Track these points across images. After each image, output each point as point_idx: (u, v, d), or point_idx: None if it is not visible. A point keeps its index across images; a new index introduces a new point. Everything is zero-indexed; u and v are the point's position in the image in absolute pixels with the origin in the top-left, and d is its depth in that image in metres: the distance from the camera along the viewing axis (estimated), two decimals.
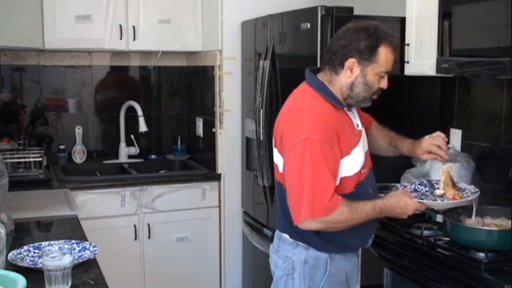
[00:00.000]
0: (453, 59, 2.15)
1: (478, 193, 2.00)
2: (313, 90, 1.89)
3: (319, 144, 1.77)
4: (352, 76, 1.86)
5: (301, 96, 1.92)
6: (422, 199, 1.98)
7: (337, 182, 1.84)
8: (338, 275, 1.95)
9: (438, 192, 2.03)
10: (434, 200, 2.00)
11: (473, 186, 2.06)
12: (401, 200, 1.88)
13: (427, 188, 2.12)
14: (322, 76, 1.93)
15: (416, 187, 2.12)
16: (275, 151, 1.95)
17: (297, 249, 1.94)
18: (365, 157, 1.96)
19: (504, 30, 1.91)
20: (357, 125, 1.96)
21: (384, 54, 1.84)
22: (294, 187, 1.81)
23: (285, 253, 1.97)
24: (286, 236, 1.97)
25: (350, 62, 1.84)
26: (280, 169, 1.92)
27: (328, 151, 1.78)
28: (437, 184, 2.09)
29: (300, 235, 1.91)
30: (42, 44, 3.40)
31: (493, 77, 2.39)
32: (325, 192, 1.76)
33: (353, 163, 1.88)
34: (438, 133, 2.09)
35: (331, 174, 1.79)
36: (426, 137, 2.08)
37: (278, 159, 1.94)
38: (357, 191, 1.91)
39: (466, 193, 2.01)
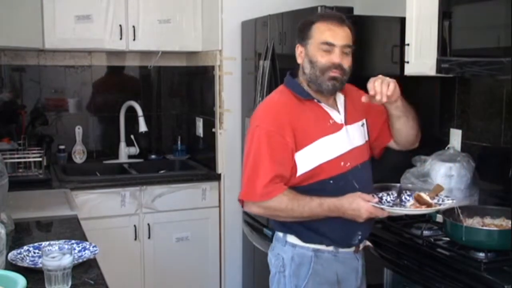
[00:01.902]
0: (453, 59, 2.15)
1: (453, 203, 1.93)
2: (283, 87, 2.02)
3: (266, 132, 1.87)
4: (301, 60, 1.97)
5: (273, 94, 2.05)
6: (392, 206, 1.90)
7: (303, 170, 1.88)
8: (325, 275, 1.95)
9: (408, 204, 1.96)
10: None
11: (452, 199, 1.95)
12: (354, 202, 1.85)
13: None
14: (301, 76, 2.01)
15: (405, 198, 2.01)
16: None
17: (286, 247, 1.99)
18: (349, 151, 1.95)
19: (504, 30, 1.91)
20: (340, 120, 1.97)
21: (318, 28, 1.91)
22: (242, 169, 1.97)
23: (277, 251, 2.03)
24: (278, 232, 2.03)
25: (297, 49, 1.98)
26: None
27: (276, 139, 1.87)
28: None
29: (284, 225, 1.97)
30: (42, 44, 3.40)
31: (493, 77, 2.39)
32: (261, 178, 1.85)
33: (319, 153, 1.90)
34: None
35: (273, 162, 1.86)
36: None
37: None
38: (335, 182, 1.91)
39: (441, 206, 1.91)
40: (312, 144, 1.90)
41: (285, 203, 1.85)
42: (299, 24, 1.99)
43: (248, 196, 1.91)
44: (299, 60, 1.98)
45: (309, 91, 1.96)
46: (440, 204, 1.91)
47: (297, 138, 1.88)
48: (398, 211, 1.91)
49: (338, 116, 1.98)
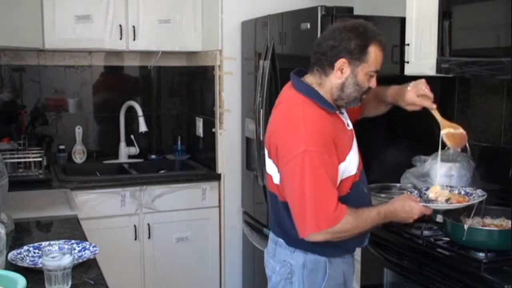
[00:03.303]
0: (453, 59, 2.15)
1: (485, 196, 1.99)
2: (304, 97, 1.84)
3: (318, 155, 1.74)
4: (342, 77, 1.83)
5: (293, 105, 1.86)
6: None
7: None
8: (336, 277, 1.94)
9: (431, 195, 2.03)
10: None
11: (480, 190, 2.03)
12: (406, 204, 1.87)
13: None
14: (310, 79, 1.89)
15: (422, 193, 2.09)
16: (269, 161, 1.91)
17: (295, 253, 1.91)
18: (359, 157, 1.95)
19: (504, 30, 1.91)
20: (347, 125, 1.94)
21: (374, 53, 1.81)
22: (297, 201, 1.79)
23: (282, 258, 1.94)
24: (282, 241, 1.95)
25: (340, 62, 1.81)
26: (275, 181, 1.89)
27: (327, 161, 1.76)
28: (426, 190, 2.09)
29: (297, 242, 1.87)
30: (42, 44, 3.40)
31: (493, 77, 2.39)
32: (328, 203, 1.75)
33: (350, 167, 1.87)
34: (420, 80, 2.03)
35: (332, 185, 1.77)
36: (410, 85, 2.03)
37: (272, 170, 1.90)
38: (353, 191, 1.89)
39: (473, 197, 2.00)
40: (346, 159, 1.85)
41: (351, 223, 1.78)
42: (354, 37, 1.79)
43: (321, 227, 1.75)
44: (338, 76, 1.82)
45: (330, 102, 1.87)
46: (469, 194, 2.02)
47: (338, 155, 1.81)
48: (443, 207, 1.99)
49: (347, 121, 1.94)
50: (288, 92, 1.93)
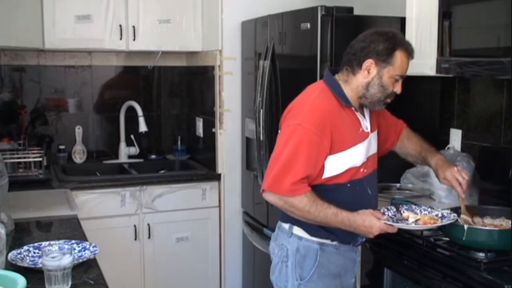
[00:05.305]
0: (453, 59, 2.15)
1: (455, 219, 1.98)
2: (325, 86, 2.01)
3: (307, 133, 1.88)
4: (368, 77, 1.95)
5: (313, 90, 2.04)
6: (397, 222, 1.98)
7: (329, 174, 1.94)
8: (329, 267, 2.02)
9: (405, 214, 2.04)
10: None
11: (454, 214, 2.00)
12: (366, 219, 1.92)
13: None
14: (339, 76, 2.02)
15: (403, 211, 2.08)
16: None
17: (291, 238, 2.03)
18: (368, 158, 2.03)
19: (504, 30, 1.91)
20: (366, 127, 2.03)
21: (400, 58, 1.93)
22: (272, 160, 1.95)
23: (281, 241, 2.08)
24: (284, 224, 2.07)
25: (368, 63, 1.94)
26: None
27: (315, 141, 1.89)
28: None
29: (294, 218, 1.99)
30: (42, 44, 3.40)
31: (493, 77, 2.39)
32: (292, 175, 1.87)
33: (348, 160, 1.97)
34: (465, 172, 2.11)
35: (307, 163, 1.88)
36: (457, 168, 2.09)
37: None
38: (352, 186, 1.99)
39: (446, 220, 1.98)
40: (345, 152, 1.95)
41: (304, 204, 1.89)
42: (383, 41, 1.93)
43: (273, 188, 1.91)
44: (365, 76, 1.95)
45: (349, 97, 1.99)
46: (443, 218, 2.00)
47: (333, 143, 1.92)
48: (408, 227, 1.98)
49: (365, 124, 2.03)
50: (317, 82, 2.11)
